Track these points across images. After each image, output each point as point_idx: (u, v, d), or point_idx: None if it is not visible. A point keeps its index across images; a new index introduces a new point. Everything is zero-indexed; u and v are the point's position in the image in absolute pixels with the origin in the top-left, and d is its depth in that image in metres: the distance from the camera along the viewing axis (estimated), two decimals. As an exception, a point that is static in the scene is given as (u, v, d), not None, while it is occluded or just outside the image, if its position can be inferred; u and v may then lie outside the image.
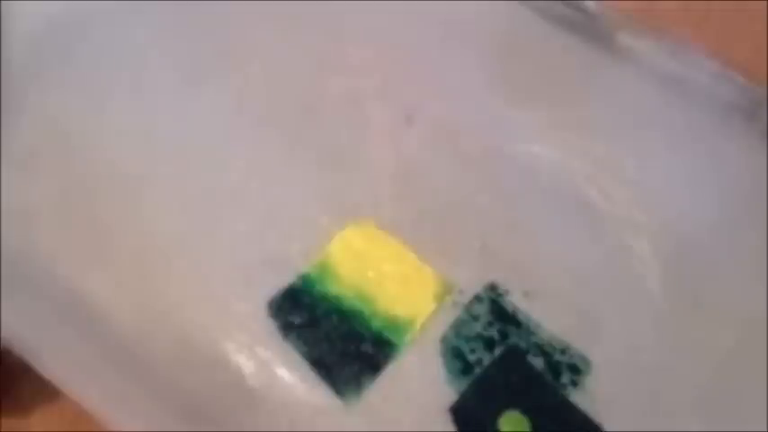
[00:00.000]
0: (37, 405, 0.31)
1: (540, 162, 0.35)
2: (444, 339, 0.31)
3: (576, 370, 0.30)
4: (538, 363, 0.31)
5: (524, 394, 0.30)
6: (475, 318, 0.31)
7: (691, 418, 0.29)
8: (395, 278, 0.32)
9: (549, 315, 0.31)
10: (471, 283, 0.32)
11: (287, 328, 0.31)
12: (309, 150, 0.35)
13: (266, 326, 0.31)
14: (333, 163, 0.34)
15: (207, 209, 0.33)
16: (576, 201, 0.34)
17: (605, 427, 0.29)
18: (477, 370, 0.30)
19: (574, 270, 0.32)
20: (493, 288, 0.32)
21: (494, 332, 0.31)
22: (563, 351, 0.31)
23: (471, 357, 0.31)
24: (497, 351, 0.31)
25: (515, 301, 0.32)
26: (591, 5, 0.37)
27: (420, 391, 0.30)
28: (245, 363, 0.30)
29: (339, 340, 0.31)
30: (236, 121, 0.35)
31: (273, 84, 0.36)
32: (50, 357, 0.28)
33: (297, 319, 0.31)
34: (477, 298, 0.32)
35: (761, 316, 0.31)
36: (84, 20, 0.37)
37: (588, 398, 0.30)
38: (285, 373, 0.30)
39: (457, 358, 0.30)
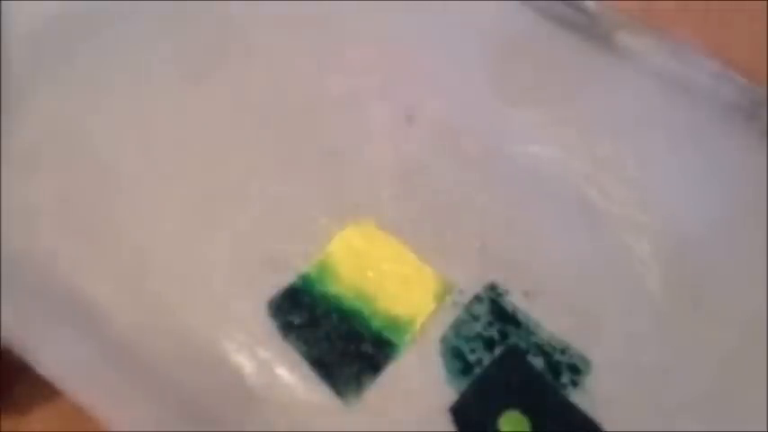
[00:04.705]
0: (36, 404, 0.31)
1: (540, 162, 0.35)
2: (444, 339, 0.31)
3: (575, 370, 0.30)
4: (538, 363, 0.31)
5: (524, 394, 0.30)
6: (475, 318, 0.31)
7: (691, 418, 0.29)
8: (395, 278, 0.32)
9: (549, 315, 0.31)
10: (471, 283, 0.32)
11: (287, 328, 0.31)
12: (309, 150, 0.35)
13: (266, 326, 0.31)
14: (333, 163, 0.34)
15: (207, 209, 0.33)
16: (576, 201, 0.34)
17: (605, 427, 0.29)
18: (477, 370, 0.30)
19: (574, 270, 0.32)
20: (493, 288, 0.32)
21: (494, 332, 0.31)
22: (563, 351, 0.31)
23: (471, 357, 0.31)
24: (497, 351, 0.31)
25: (515, 301, 0.32)
26: (591, 5, 0.37)
27: (420, 391, 0.30)
28: (245, 363, 0.30)
29: (339, 340, 0.31)
30: (235, 120, 0.35)
31: (273, 83, 0.36)
32: (50, 357, 0.28)
33: (297, 319, 0.31)
34: (477, 298, 0.32)
35: (761, 316, 0.31)
36: (84, 20, 0.37)
37: (588, 398, 0.30)
38: (285, 373, 0.30)
39: (457, 358, 0.30)
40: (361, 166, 0.34)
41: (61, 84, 0.35)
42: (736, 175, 0.34)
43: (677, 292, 0.32)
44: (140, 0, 0.37)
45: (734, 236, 0.33)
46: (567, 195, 0.34)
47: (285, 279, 0.32)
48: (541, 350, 0.31)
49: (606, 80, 0.36)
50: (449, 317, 0.31)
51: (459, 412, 0.29)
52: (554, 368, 0.30)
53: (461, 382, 0.30)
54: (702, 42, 0.36)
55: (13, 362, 0.28)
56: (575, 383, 0.30)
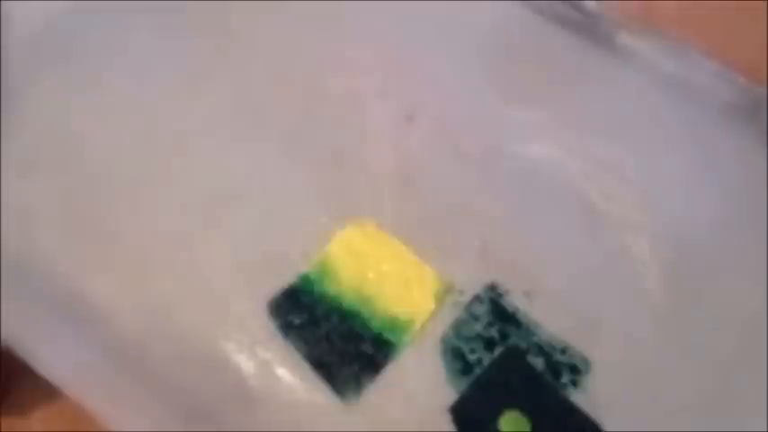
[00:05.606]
0: (37, 404, 0.31)
1: (540, 162, 0.35)
2: (444, 339, 0.31)
3: (575, 370, 0.30)
4: (538, 363, 0.31)
5: (524, 394, 0.30)
6: (475, 318, 0.31)
7: (691, 418, 0.29)
8: (395, 278, 0.32)
9: (549, 315, 0.31)
10: (471, 283, 0.32)
11: (287, 328, 0.31)
12: (309, 150, 0.35)
13: (266, 326, 0.31)
14: (333, 163, 0.34)
15: (207, 209, 0.33)
16: (575, 201, 0.34)
17: (605, 427, 0.29)
18: (477, 370, 0.30)
19: (574, 270, 0.32)
20: (493, 288, 0.32)
21: (494, 332, 0.31)
22: (563, 351, 0.31)
23: (471, 357, 0.31)
24: (497, 351, 0.31)
25: (515, 301, 0.32)
26: (591, 5, 0.37)
27: (420, 391, 0.30)
28: (245, 363, 0.30)
29: (339, 340, 0.31)
30: (236, 120, 0.35)
31: (273, 84, 0.36)
32: (50, 358, 0.28)
33: (297, 319, 0.31)
34: (477, 298, 0.32)
35: (761, 316, 0.31)
36: (84, 19, 0.37)
37: (588, 398, 0.30)
38: (285, 373, 0.30)
39: (457, 358, 0.30)
40: (360, 166, 0.34)
41: (61, 84, 0.35)
42: (735, 176, 0.34)
43: (677, 293, 0.32)
44: (141, 0, 0.37)
45: (733, 236, 0.33)
46: (566, 195, 0.34)
47: (285, 279, 0.32)
48: (541, 350, 0.31)
49: (606, 80, 0.36)
50: (449, 317, 0.31)
51: (459, 412, 0.29)
52: (554, 368, 0.30)
53: (461, 382, 0.30)
54: (702, 42, 0.36)
55: (14, 362, 0.28)
56: (575, 383, 0.30)
